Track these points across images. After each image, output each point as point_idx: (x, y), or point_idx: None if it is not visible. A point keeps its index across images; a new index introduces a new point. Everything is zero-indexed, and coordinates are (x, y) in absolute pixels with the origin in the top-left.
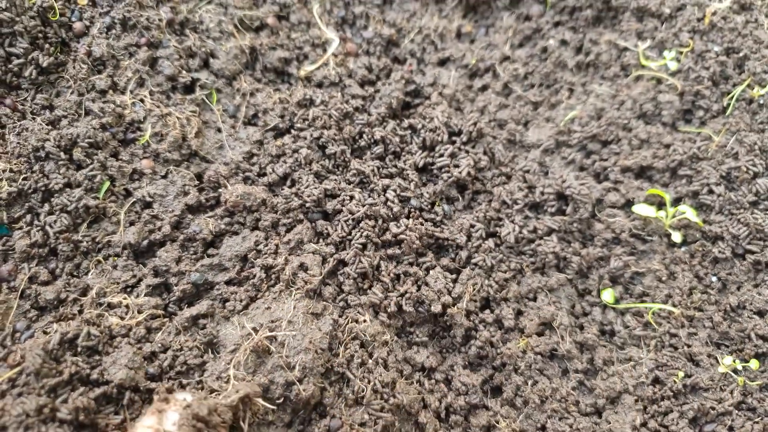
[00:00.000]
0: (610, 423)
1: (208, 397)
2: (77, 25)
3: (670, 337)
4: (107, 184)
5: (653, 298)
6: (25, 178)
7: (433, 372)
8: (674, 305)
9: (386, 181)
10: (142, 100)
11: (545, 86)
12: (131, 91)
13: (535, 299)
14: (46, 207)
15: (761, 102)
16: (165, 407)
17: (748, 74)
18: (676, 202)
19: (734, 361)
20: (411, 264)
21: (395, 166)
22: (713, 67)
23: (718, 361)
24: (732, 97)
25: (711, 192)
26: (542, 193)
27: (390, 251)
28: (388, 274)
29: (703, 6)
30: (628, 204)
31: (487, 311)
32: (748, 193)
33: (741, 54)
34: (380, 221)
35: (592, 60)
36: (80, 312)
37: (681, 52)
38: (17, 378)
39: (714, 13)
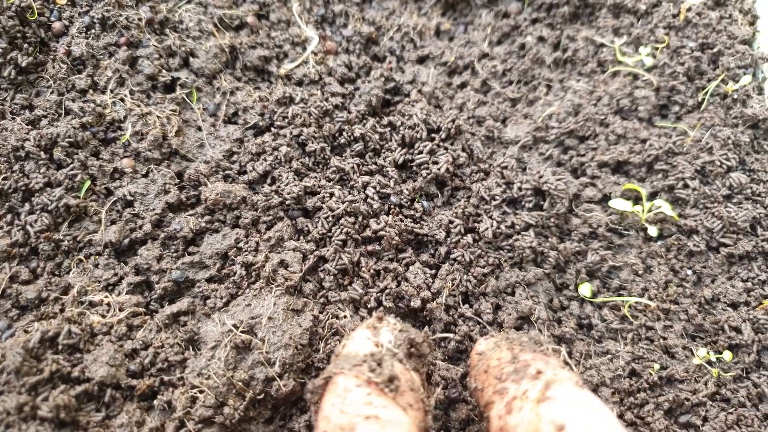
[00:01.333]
0: None
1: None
2: (56, 25)
3: (646, 330)
4: (88, 183)
5: (630, 291)
6: (5, 178)
7: None
8: (650, 298)
9: (366, 178)
10: (122, 100)
11: (523, 83)
12: (111, 91)
13: (513, 294)
14: (27, 206)
15: (735, 97)
16: (378, 325)
17: (722, 69)
18: (652, 196)
19: (708, 353)
20: (391, 260)
21: (375, 163)
22: (688, 63)
23: (693, 353)
24: (706, 93)
25: (686, 186)
26: (520, 189)
27: (370, 248)
28: (368, 270)
29: (678, 2)
30: (605, 199)
31: (466, 306)
32: (722, 187)
33: (715, 50)
34: (360, 218)
35: (569, 56)
36: (62, 310)
37: (657, 48)
38: None
39: (689, 9)
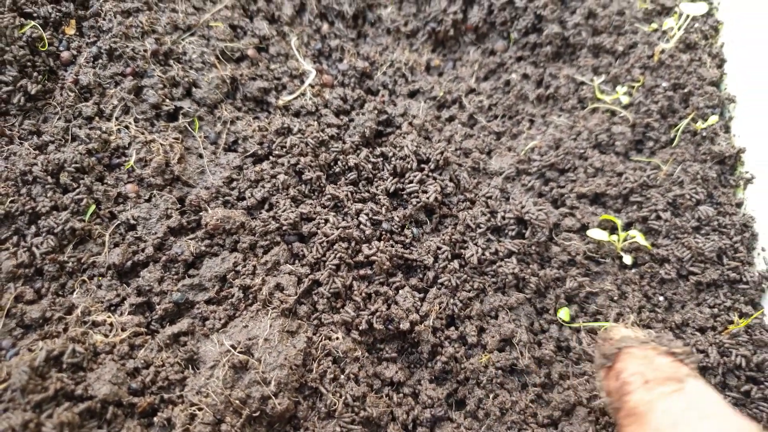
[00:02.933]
0: None
1: None
2: (65, 55)
3: None
4: (93, 207)
5: (606, 316)
6: (12, 201)
7: (401, 386)
8: (624, 323)
9: (359, 206)
10: (127, 127)
11: (508, 117)
12: (117, 118)
13: (496, 317)
14: (33, 229)
15: (704, 134)
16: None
17: (692, 108)
18: (627, 226)
19: None
20: (381, 284)
21: (368, 192)
22: (661, 102)
23: None
24: (678, 130)
25: (659, 218)
26: (503, 218)
27: (362, 272)
28: (360, 294)
29: (653, 45)
30: (583, 228)
31: (452, 328)
32: (691, 218)
33: (686, 90)
34: (353, 243)
35: (551, 93)
36: (65, 330)
37: (633, 87)
38: (3, 394)
39: (662, 52)
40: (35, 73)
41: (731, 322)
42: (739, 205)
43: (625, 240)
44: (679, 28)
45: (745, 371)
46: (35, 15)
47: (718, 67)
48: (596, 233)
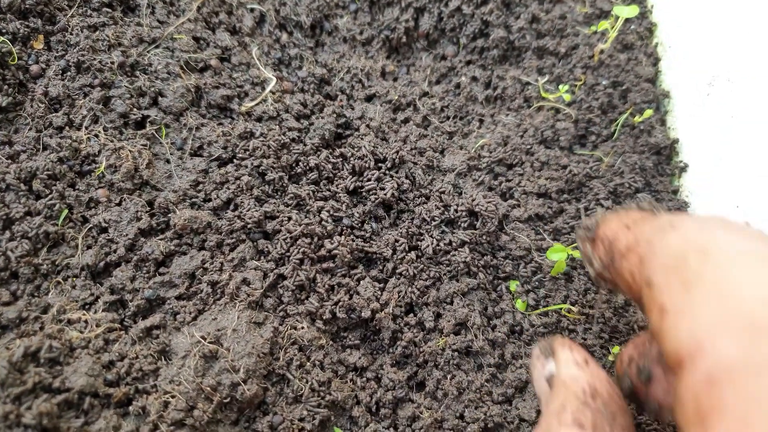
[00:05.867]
0: (518, 409)
1: None
2: (34, 68)
3: (569, 332)
4: (65, 212)
5: (554, 298)
6: None
7: (365, 371)
8: (572, 304)
9: (320, 203)
10: (96, 136)
11: (459, 118)
12: (86, 128)
13: (451, 303)
14: (7, 234)
15: (641, 128)
16: None
17: (630, 104)
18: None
19: None
20: (344, 276)
21: (329, 190)
22: (602, 99)
23: (609, 351)
24: (618, 124)
25: (600, 206)
26: (456, 211)
27: (325, 265)
28: (324, 286)
29: (593, 45)
30: (530, 218)
31: (411, 315)
32: (630, 205)
33: (624, 87)
34: (316, 239)
35: (499, 94)
36: (41, 328)
37: (575, 86)
38: None
39: (602, 52)
40: (5, 86)
41: None
42: (675, 192)
43: (575, 248)
44: (615, 30)
45: None
46: (4, 31)
47: (653, 65)
48: (555, 254)
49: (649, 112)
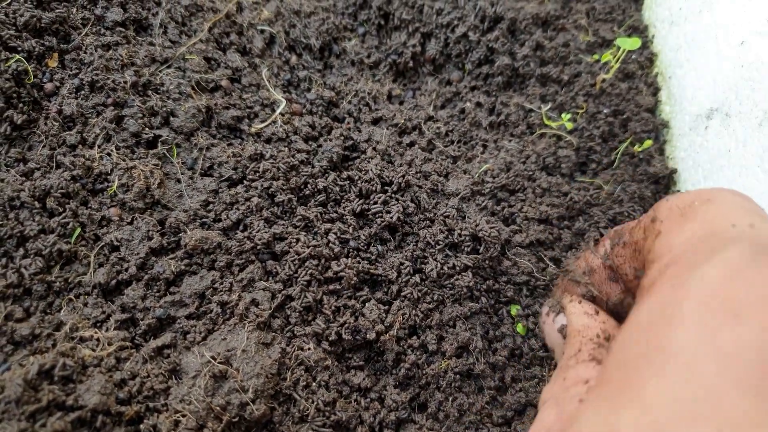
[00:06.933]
0: (518, 431)
1: None
2: (48, 86)
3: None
4: (78, 230)
5: None
6: (1, 225)
7: (369, 392)
8: None
9: (328, 225)
10: (109, 154)
11: (463, 143)
12: (99, 146)
13: (454, 326)
14: (21, 251)
15: (641, 157)
16: None
17: (630, 133)
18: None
19: None
20: (349, 297)
21: (336, 212)
22: (603, 127)
23: None
24: (618, 153)
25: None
26: (460, 235)
27: (331, 287)
28: (330, 307)
29: (595, 74)
30: (532, 244)
31: (414, 337)
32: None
33: (625, 116)
34: (323, 261)
35: (503, 120)
36: (54, 345)
37: (577, 113)
38: None
39: (603, 81)
40: (21, 104)
41: None
42: None
43: None
44: (617, 60)
45: None
46: (20, 49)
47: (653, 95)
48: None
49: (648, 143)
